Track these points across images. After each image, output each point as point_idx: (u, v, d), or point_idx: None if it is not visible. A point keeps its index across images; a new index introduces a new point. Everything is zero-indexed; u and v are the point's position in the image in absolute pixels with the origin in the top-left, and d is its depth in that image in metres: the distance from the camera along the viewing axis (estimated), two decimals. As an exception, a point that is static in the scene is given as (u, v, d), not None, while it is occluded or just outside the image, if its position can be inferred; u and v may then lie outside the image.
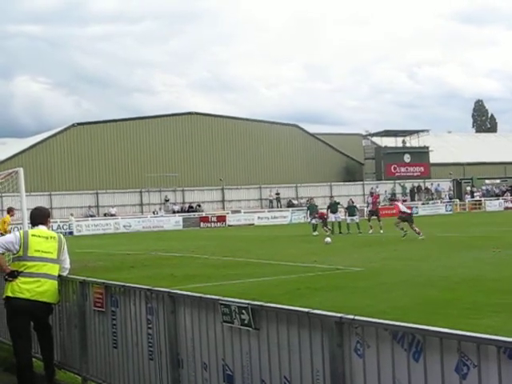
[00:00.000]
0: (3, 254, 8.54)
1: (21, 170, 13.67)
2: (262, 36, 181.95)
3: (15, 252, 8.42)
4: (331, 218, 40.51)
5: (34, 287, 8.29)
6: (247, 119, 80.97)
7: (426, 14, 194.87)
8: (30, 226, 9.11)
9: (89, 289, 8.09)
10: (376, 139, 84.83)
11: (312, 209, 41.31)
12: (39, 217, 8.91)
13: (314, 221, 40.32)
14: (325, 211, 40.87)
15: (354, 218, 40.59)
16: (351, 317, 4.69)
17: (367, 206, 42.04)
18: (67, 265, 8.84)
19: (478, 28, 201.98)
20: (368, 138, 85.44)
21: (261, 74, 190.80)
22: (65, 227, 57.39)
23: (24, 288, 8.27)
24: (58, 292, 8.56)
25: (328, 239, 30.67)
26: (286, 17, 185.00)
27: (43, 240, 8.50)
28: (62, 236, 8.99)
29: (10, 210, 25.22)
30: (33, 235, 8.51)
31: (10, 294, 8.35)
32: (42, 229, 8.71)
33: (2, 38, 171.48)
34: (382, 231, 36.76)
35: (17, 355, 8.48)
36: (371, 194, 42.22)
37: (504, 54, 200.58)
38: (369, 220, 39.26)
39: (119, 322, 7.45)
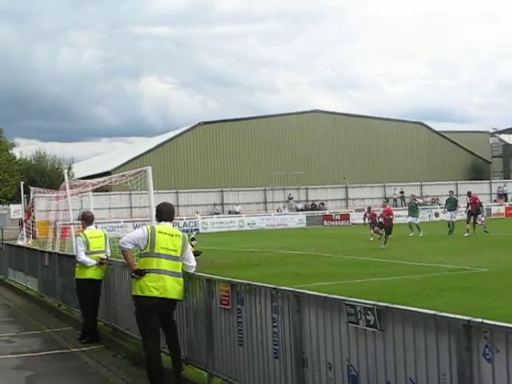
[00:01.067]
0: (132, 250, 8.83)
1: (149, 169, 14.04)
2: (386, 33, 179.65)
3: (143, 248, 8.65)
4: (447, 216, 38.67)
5: (161, 285, 8.51)
6: (371, 117, 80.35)
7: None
8: (156, 221, 9.27)
9: (215, 286, 8.22)
10: (504, 136, 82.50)
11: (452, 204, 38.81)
12: (165, 213, 9.05)
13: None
14: (377, 212, 38.77)
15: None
16: (480, 320, 4.59)
17: (466, 207, 37.85)
18: (192, 262, 8.99)
19: None
20: (496, 136, 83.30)
21: (385, 72, 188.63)
22: (191, 224, 58.54)
23: (152, 286, 8.49)
24: (183, 288, 8.76)
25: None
26: (411, 12, 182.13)
27: (169, 237, 8.68)
28: (185, 234, 9.19)
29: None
30: (159, 232, 8.67)
31: (139, 293, 8.59)
32: (167, 226, 8.88)
33: (131, 40, 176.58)
34: (487, 233, 35.19)
35: (146, 351, 8.73)
36: (469, 194, 38.58)
37: None
38: (468, 221, 36.30)
39: (245, 319, 7.55)
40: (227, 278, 8.10)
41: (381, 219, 34.38)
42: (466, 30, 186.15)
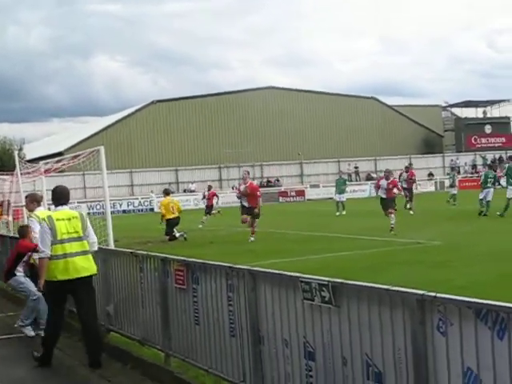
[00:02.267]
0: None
1: (102, 149, 13.84)
2: (336, 10, 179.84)
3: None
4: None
5: (71, 267, 8.97)
6: (325, 93, 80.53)
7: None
8: (54, 206, 9.65)
9: (170, 266, 8.19)
10: (456, 110, 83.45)
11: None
12: (62, 196, 9.47)
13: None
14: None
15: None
16: (433, 294, 4.61)
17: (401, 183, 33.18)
18: (93, 239, 9.44)
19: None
20: (448, 110, 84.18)
21: (336, 49, 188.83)
22: (145, 204, 58.33)
23: (62, 270, 8.97)
24: (93, 264, 9.26)
25: None
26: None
27: (67, 222, 9.07)
28: (83, 213, 9.60)
29: (167, 193, 27.54)
30: (57, 219, 9.06)
31: (53, 279, 9.01)
32: (64, 209, 9.32)
33: (81, 18, 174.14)
34: (411, 212, 32.60)
35: (50, 324, 9.37)
36: (406, 169, 36.25)
37: None
38: (406, 197, 33.45)
39: (200, 299, 7.52)
40: (182, 258, 8.05)
41: (403, 184, 32.79)
42: (417, 6, 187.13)
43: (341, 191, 37.99)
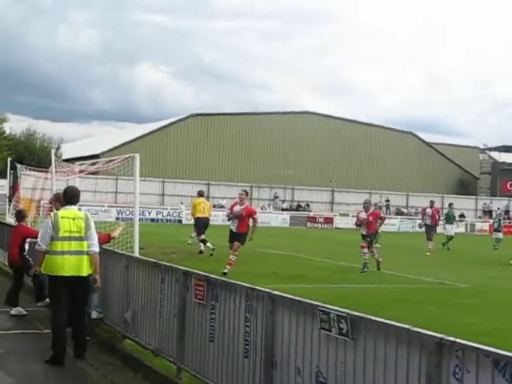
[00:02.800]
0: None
1: (137, 156, 13.91)
2: (383, 41, 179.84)
3: (51, 235, 9.41)
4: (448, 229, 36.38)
5: (68, 264, 9.32)
6: (362, 122, 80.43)
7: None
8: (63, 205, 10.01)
9: (191, 280, 8.18)
10: (494, 154, 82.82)
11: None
12: (70, 197, 9.84)
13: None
14: None
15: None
16: (452, 339, 4.56)
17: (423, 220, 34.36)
18: (93, 241, 9.60)
19: None
20: (486, 152, 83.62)
21: (379, 79, 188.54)
22: (174, 214, 58.37)
23: (60, 266, 9.36)
24: (90, 265, 9.49)
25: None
26: (412, 22, 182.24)
27: (72, 220, 9.43)
28: (89, 215, 9.80)
29: (200, 195, 28.03)
30: (62, 217, 9.46)
31: (49, 273, 9.53)
32: (71, 209, 9.67)
33: (130, 26, 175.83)
34: (428, 253, 30.79)
35: (55, 324, 9.63)
36: (431, 203, 34.78)
37: None
38: (428, 238, 32.38)
39: (218, 316, 7.51)
40: (204, 273, 8.05)
41: (426, 220, 32.32)
42: (465, 44, 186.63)
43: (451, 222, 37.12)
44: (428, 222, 33.22)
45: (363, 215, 22.32)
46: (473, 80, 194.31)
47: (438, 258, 29.13)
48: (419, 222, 34.97)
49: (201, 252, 25.15)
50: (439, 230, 35.63)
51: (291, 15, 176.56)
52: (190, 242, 28.56)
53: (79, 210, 9.92)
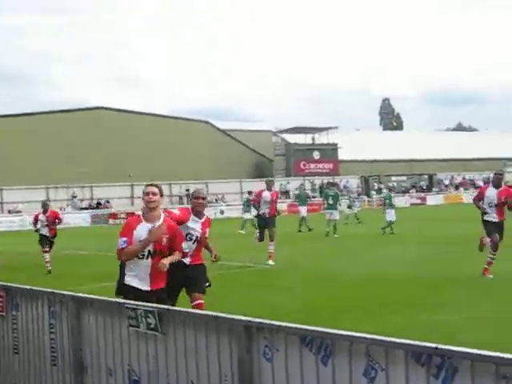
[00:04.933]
0: None
1: None
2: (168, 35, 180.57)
3: None
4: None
5: None
6: (157, 115, 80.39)
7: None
8: None
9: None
10: (286, 136, 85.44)
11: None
12: None
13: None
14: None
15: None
16: (259, 321, 4.60)
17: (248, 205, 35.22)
18: None
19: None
20: (278, 135, 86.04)
21: (171, 72, 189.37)
22: None
23: None
24: None
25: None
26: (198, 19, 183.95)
27: None
28: None
29: None
30: None
31: None
32: None
33: None
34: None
35: None
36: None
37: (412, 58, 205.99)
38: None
39: (20, 326, 7.18)
40: (1, 283, 7.67)
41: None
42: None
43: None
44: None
45: (266, 194, 20.70)
46: (262, 66, 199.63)
47: (247, 241, 29.55)
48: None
49: None
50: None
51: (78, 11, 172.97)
52: None
53: None
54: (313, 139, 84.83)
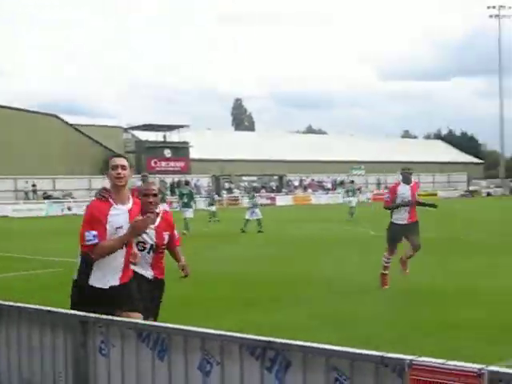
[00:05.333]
0: None
1: None
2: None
3: None
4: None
5: None
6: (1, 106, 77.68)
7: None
8: None
9: None
10: (137, 133, 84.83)
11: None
12: None
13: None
14: None
15: None
16: (95, 316, 4.52)
17: None
18: None
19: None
20: (128, 132, 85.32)
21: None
22: None
23: None
24: None
25: None
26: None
27: None
28: None
29: None
30: None
31: None
32: None
33: None
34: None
35: None
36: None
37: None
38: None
39: None
40: None
41: None
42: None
43: None
44: None
45: None
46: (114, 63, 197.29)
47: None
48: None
49: None
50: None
51: None
52: None
53: None
54: (164, 137, 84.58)
